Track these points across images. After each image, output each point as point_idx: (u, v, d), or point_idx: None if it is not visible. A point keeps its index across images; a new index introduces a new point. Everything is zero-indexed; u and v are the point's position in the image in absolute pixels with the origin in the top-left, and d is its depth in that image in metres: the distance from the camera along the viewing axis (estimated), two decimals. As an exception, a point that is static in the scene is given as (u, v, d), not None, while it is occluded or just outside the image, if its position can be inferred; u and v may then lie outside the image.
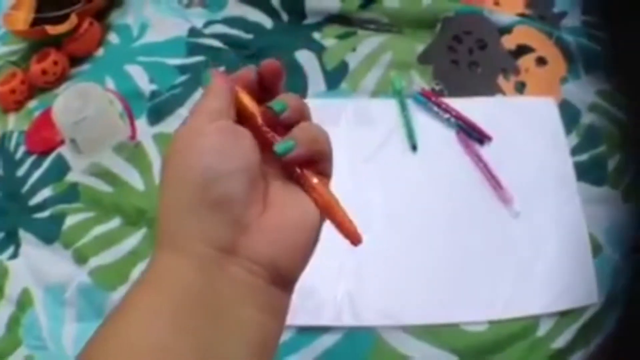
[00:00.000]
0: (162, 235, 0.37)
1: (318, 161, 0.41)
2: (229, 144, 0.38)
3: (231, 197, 0.36)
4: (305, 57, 1.01)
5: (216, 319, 0.34)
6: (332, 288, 0.78)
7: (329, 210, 0.40)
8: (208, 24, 1.10)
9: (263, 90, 0.44)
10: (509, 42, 0.99)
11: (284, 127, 0.41)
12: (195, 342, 0.32)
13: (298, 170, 0.40)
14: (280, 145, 0.39)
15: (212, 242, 0.35)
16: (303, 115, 0.42)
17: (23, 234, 0.92)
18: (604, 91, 0.93)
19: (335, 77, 0.98)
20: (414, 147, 0.88)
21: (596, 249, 0.79)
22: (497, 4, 1.03)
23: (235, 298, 0.35)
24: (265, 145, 0.41)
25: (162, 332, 0.32)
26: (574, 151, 0.88)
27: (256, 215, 0.38)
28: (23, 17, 1.12)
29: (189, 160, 0.37)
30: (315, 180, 0.40)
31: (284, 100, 0.41)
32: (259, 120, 0.41)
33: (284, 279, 0.38)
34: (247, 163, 0.38)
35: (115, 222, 0.89)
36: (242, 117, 0.42)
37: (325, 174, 0.42)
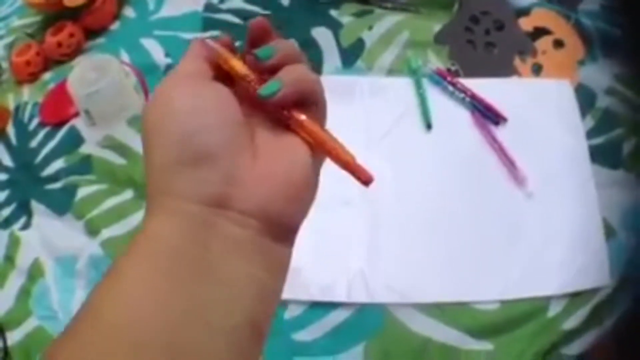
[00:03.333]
0: (149, 197, 0.36)
1: (308, 104, 0.39)
2: (202, 99, 0.37)
3: (212, 150, 0.35)
4: (321, 34, 1.01)
5: (208, 277, 0.33)
6: (344, 265, 0.78)
7: (323, 146, 0.38)
8: (225, -1, 1.10)
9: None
10: (527, 24, 0.98)
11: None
12: (188, 303, 0.31)
13: (285, 112, 0.38)
14: (264, 87, 0.38)
15: (199, 198, 0.34)
16: (294, 61, 0.40)
17: (35, 205, 0.92)
18: (621, 75, 0.92)
19: (351, 55, 0.98)
20: (428, 126, 0.88)
21: (609, 231, 0.79)
22: (515, -15, 1.02)
23: (227, 254, 0.34)
24: (253, 98, 0.39)
25: (153, 296, 0.31)
26: (589, 134, 0.87)
27: (245, 166, 0.36)
28: (39, -10, 1.12)
29: (164, 120, 0.36)
30: (303, 117, 0.38)
31: (271, 47, 0.39)
32: (240, 70, 0.39)
33: (279, 228, 0.36)
34: (224, 116, 0.37)
35: (128, 194, 0.89)
36: (231, 77, 0.40)
37: (317, 118, 0.40)
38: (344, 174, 0.38)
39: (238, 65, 0.39)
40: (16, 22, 1.19)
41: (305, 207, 0.38)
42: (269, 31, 0.41)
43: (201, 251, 0.33)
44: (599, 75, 0.93)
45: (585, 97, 0.91)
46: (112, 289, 0.32)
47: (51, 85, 1.05)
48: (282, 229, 0.37)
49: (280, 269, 0.37)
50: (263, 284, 0.35)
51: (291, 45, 0.40)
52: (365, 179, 0.38)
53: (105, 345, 0.29)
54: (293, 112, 0.38)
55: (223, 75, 0.40)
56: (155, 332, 0.30)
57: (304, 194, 0.38)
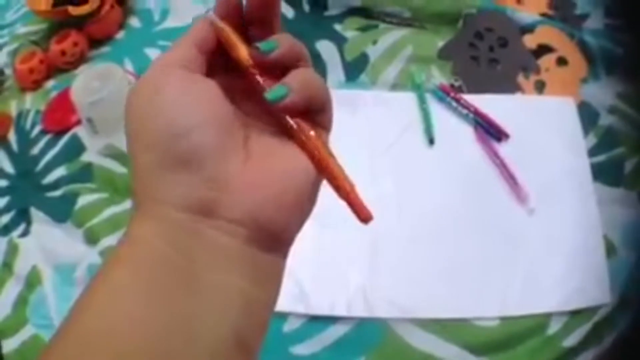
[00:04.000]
0: (135, 203, 0.34)
1: (315, 111, 0.37)
2: (192, 95, 0.34)
3: (198, 153, 0.33)
4: (325, 48, 1.00)
5: (192, 286, 0.31)
6: (344, 279, 0.78)
7: (323, 168, 0.36)
8: (229, 11, 1.10)
9: (258, 27, 0.38)
10: (530, 41, 0.98)
11: (280, 74, 0.36)
12: (170, 312, 0.30)
13: (291, 121, 0.36)
14: (271, 91, 0.35)
15: (184, 205, 0.33)
16: (299, 58, 0.37)
17: (35, 212, 0.92)
18: (624, 94, 0.93)
19: (355, 69, 0.98)
20: (431, 141, 0.88)
21: (610, 249, 0.79)
22: (519, 3, 1.03)
23: (213, 264, 0.32)
24: (254, 94, 0.37)
25: (135, 304, 0.30)
26: (592, 152, 0.87)
27: (234, 171, 0.34)
28: (45, -2, 1.13)
29: (147, 121, 0.34)
30: (312, 132, 0.36)
31: (274, 40, 0.36)
32: (247, 62, 0.37)
33: (270, 238, 0.34)
34: (211, 115, 0.34)
35: (128, 204, 0.89)
36: (234, 65, 0.38)
37: (323, 126, 0.38)
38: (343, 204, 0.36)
39: (245, 55, 0.37)
40: (21, 29, 1.20)
41: (302, 219, 0.36)
42: (273, 9, 0.38)
43: (186, 260, 0.32)
44: (602, 93, 0.93)
45: (587, 115, 0.91)
46: (95, 295, 0.31)
47: (54, 94, 1.05)
48: (273, 239, 0.35)
49: (270, 281, 0.36)
50: (251, 296, 0.34)
51: (295, 40, 0.37)
52: (363, 217, 0.35)
53: (85, 354, 0.29)
54: (300, 123, 0.36)
55: (218, 62, 0.38)
56: (136, 342, 0.29)
57: (301, 204, 0.36)
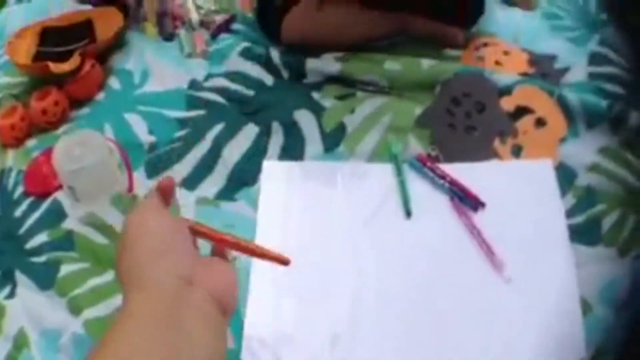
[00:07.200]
0: (129, 280, 0.50)
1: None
2: (163, 227, 0.54)
3: (174, 254, 0.52)
4: (304, 118, 1.01)
5: (180, 339, 0.46)
6: (322, 352, 0.79)
7: (252, 254, 0.63)
8: (209, 76, 1.11)
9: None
10: (509, 103, 0.98)
11: None
12: (166, 349, 0.44)
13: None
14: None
15: (177, 273, 0.50)
16: None
17: (19, 276, 0.92)
18: (605, 147, 0.93)
19: (334, 139, 0.98)
20: (408, 214, 0.89)
21: (586, 307, 0.79)
22: (498, 63, 1.02)
23: (197, 323, 0.48)
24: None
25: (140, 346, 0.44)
26: (570, 213, 0.88)
27: (194, 266, 0.53)
28: (25, 48, 1.12)
29: (144, 242, 0.52)
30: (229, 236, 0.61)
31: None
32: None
33: (224, 311, 0.53)
34: (180, 236, 0.55)
35: (110, 275, 0.89)
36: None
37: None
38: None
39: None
40: (2, 79, 1.19)
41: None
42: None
43: (178, 321, 0.47)
44: (581, 151, 0.94)
45: (565, 176, 0.91)
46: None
47: (35, 153, 1.05)
48: (225, 311, 0.54)
49: (225, 337, 0.55)
50: (216, 349, 0.50)
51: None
52: (282, 261, 0.61)
53: None
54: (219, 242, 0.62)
55: None
56: None
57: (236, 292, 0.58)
